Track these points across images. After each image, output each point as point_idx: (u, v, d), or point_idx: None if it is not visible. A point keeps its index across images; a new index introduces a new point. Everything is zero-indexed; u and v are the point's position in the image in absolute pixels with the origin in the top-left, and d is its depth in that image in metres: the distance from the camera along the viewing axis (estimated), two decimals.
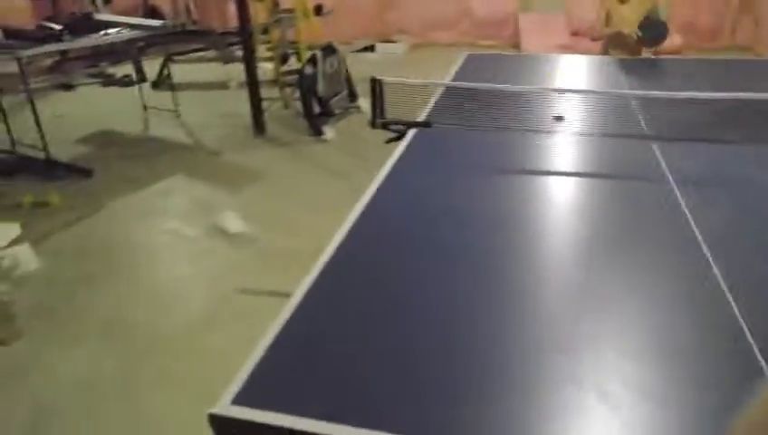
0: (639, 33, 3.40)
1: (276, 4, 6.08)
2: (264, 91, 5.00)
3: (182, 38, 5.21)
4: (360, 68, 6.14)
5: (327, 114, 4.61)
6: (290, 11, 4.95)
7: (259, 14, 4.92)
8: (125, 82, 4.48)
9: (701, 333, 1.01)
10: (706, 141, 1.86)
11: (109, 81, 5.39)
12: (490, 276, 1.20)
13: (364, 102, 4.75)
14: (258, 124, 4.46)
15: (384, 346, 0.99)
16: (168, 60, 5.12)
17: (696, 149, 1.84)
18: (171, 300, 2.56)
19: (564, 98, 2.29)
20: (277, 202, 3.40)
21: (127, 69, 5.32)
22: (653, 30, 3.33)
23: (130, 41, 4.08)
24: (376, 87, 2.15)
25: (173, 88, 4.80)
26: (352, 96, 4.93)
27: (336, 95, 4.64)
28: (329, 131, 4.34)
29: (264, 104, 4.58)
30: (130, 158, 4.13)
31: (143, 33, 4.00)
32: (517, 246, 1.32)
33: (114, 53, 4.23)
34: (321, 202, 3.32)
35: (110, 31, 3.84)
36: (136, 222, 3.24)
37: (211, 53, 6.42)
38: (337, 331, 1.04)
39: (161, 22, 4.16)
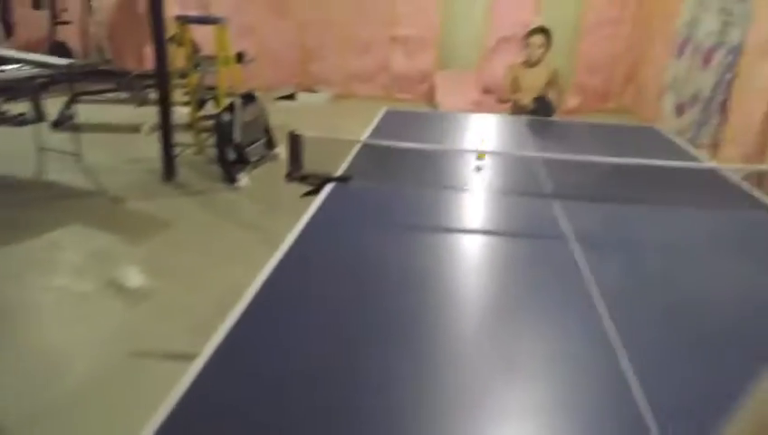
0: (533, 108, 3.70)
1: (197, 50, 6.01)
2: (179, 136, 4.85)
3: (92, 78, 4.97)
4: (281, 116, 6.15)
5: (243, 161, 4.52)
6: (211, 57, 4.90)
7: (177, 58, 4.83)
8: (19, 120, 4.16)
9: (591, 390, 1.05)
10: (600, 201, 2.01)
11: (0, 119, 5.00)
12: (395, 337, 1.19)
13: (282, 150, 4.73)
14: (169, 170, 4.28)
15: (296, 415, 0.94)
16: (74, 99, 4.85)
17: (591, 207, 1.97)
18: (52, 370, 2.24)
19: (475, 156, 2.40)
20: (183, 253, 3.23)
21: (23, 107, 4.97)
22: (544, 109, 3.71)
23: (30, 78, 3.82)
24: (293, 141, 2.14)
25: (76, 129, 4.53)
26: (270, 144, 4.89)
27: (253, 143, 4.58)
28: (243, 179, 4.25)
29: (177, 149, 4.43)
30: (18, 204, 3.78)
31: (46, 71, 3.77)
32: (425, 305, 1.32)
33: (10, 89, 3.93)
34: (230, 254, 3.19)
35: (6, 67, 3.59)
36: (17, 278, 2.89)
37: (124, 95, 6.17)
38: (244, 399, 0.97)
39: (69, 61, 3.95)
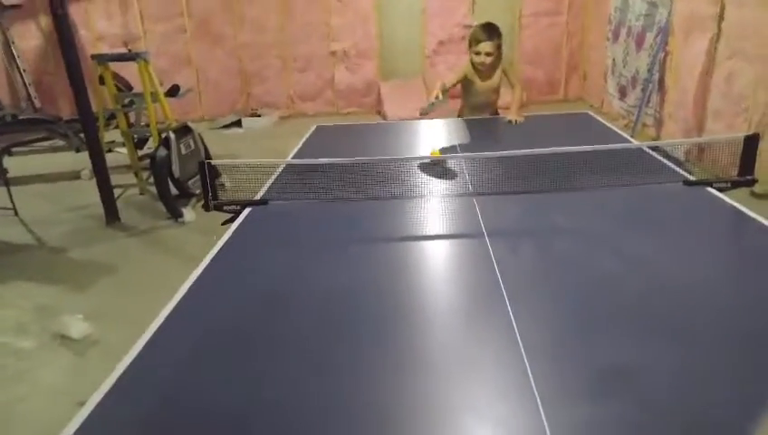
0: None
1: (128, 87, 5.90)
2: (122, 178, 4.75)
3: (19, 128, 4.83)
4: (226, 144, 6.08)
5: (186, 195, 4.44)
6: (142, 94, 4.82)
7: (105, 98, 4.73)
8: None
9: (494, 388, 1.02)
10: (516, 193, 2.00)
11: None
12: (302, 351, 1.14)
13: (227, 180, 4.65)
14: (110, 213, 4.17)
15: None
16: (4, 152, 4.70)
17: (507, 200, 1.96)
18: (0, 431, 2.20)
19: (400, 164, 2.37)
20: (129, 296, 3.14)
21: None
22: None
23: None
24: (203, 170, 2.08)
25: (8, 184, 4.38)
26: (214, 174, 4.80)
27: (195, 175, 4.49)
28: (188, 213, 4.16)
29: (117, 191, 4.32)
30: None
31: None
32: (345, 316, 1.28)
33: None
34: (174, 290, 3.10)
35: None
36: None
37: (60, 142, 6.01)
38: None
39: None
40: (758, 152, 1.99)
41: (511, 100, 3.42)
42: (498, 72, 3.32)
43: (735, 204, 1.81)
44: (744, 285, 1.36)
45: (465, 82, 3.38)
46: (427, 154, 2.40)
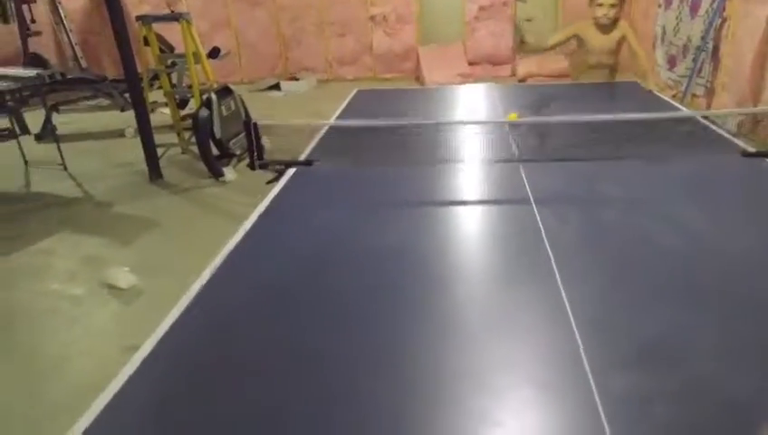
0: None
1: (171, 49, 5.97)
2: (164, 137, 4.84)
3: (66, 86, 4.95)
4: (266, 107, 6.12)
5: (227, 156, 4.50)
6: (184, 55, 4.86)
7: (151, 58, 4.80)
8: (2, 135, 4.19)
9: (543, 356, 1.03)
10: (564, 160, 1.96)
11: None
12: (354, 314, 1.16)
13: (267, 141, 4.70)
14: (153, 171, 4.28)
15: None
16: (53, 110, 4.85)
17: (554, 168, 1.93)
18: (53, 371, 2.33)
19: (445, 129, 2.35)
20: (173, 250, 3.24)
21: (5, 122, 4.98)
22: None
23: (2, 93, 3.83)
24: (249, 129, 2.10)
25: (57, 140, 4.53)
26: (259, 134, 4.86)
27: (235, 136, 4.55)
28: (229, 173, 4.23)
29: (160, 150, 4.42)
30: (7, 217, 3.82)
31: (13, 84, 3.76)
32: (389, 279, 1.30)
33: None
34: (219, 246, 3.19)
35: None
36: (10, 286, 2.97)
37: (106, 101, 6.16)
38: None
39: (34, 72, 3.93)
40: None
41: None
42: (617, 32, 3.10)
43: None
44: None
45: (579, 42, 3.26)
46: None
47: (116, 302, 2.77)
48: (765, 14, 4.12)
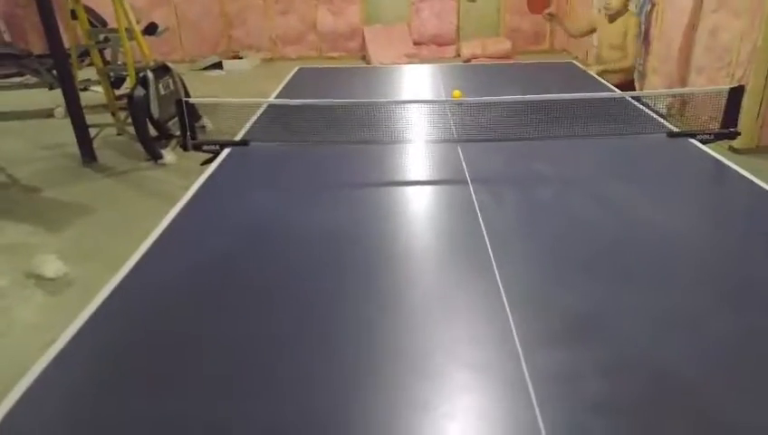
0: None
1: (103, 24, 5.65)
2: (98, 117, 4.60)
3: None
4: (207, 86, 5.91)
5: (166, 137, 4.33)
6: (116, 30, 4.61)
7: (80, 34, 4.53)
8: None
9: (475, 332, 1.04)
10: (500, 140, 1.99)
11: None
12: (282, 292, 1.15)
13: (208, 121, 4.55)
14: (86, 153, 4.07)
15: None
16: None
17: (490, 147, 1.95)
18: None
19: (385, 108, 2.33)
20: (106, 236, 3.10)
21: None
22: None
23: None
24: (181, 108, 2.02)
25: None
26: (194, 115, 4.69)
27: (175, 116, 4.38)
28: (168, 155, 4.08)
29: (94, 131, 4.20)
30: None
31: None
32: (326, 259, 1.28)
33: None
34: (153, 231, 3.09)
35: None
36: None
37: (34, 79, 5.78)
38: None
39: None
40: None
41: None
42: (622, 25, 3.01)
43: (717, 155, 1.83)
44: (722, 234, 1.39)
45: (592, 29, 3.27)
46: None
47: (43, 292, 2.63)
48: (690, 1, 4.30)
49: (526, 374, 0.92)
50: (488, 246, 1.32)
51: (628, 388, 0.89)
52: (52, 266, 2.71)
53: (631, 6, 3.03)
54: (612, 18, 3.11)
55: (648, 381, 0.90)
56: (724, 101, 1.98)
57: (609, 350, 0.98)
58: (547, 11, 3.24)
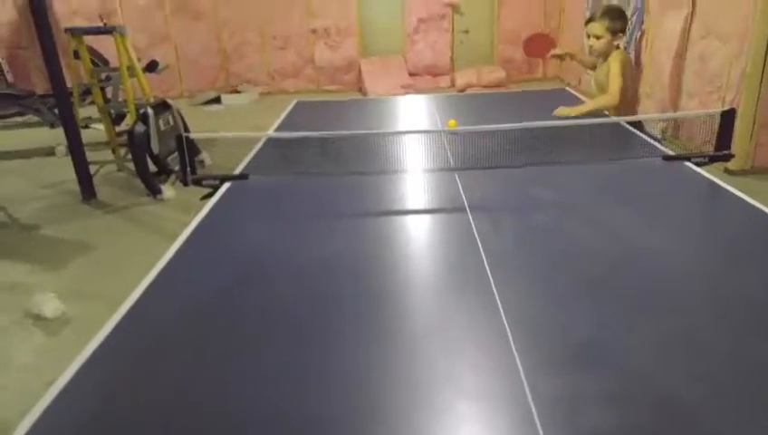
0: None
1: (105, 62, 5.76)
2: (100, 154, 4.65)
3: None
4: (206, 121, 5.98)
5: (165, 172, 4.36)
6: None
7: (83, 73, 4.61)
8: None
9: (477, 360, 1.03)
10: (497, 168, 2.01)
11: None
12: (289, 323, 1.14)
13: (207, 156, 4.59)
14: (86, 190, 4.09)
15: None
16: None
17: (488, 175, 1.97)
18: None
19: (382, 139, 2.36)
20: (106, 274, 3.09)
21: None
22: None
23: None
24: (181, 144, 2.05)
25: None
26: (194, 151, 4.73)
27: (174, 151, 4.42)
28: (167, 190, 4.10)
29: (94, 168, 4.24)
30: None
31: None
32: (327, 290, 1.28)
33: None
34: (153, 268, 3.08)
35: None
36: None
37: (35, 118, 5.85)
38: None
39: None
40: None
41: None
42: (605, 68, 2.76)
43: (713, 178, 1.84)
44: (723, 258, 1.39)
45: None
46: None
47: (41, 332, 2.60)
48: (678, 27, 4.40)
49: (530, 401, 0.91)
50: (488, 273, 1.31)
51: (631, 412, 0.88)
52: (50, 305, 2.69)
53: (619, 42, 2.86)
54: (603, 61, 2.88)
55: (651, 405, 0.90)
56: (716, 125, 2.01)
57: (612, 375, 0.97)
58: (553, 52, 3.02)
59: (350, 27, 7.37)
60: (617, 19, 2.72)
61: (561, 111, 2.69)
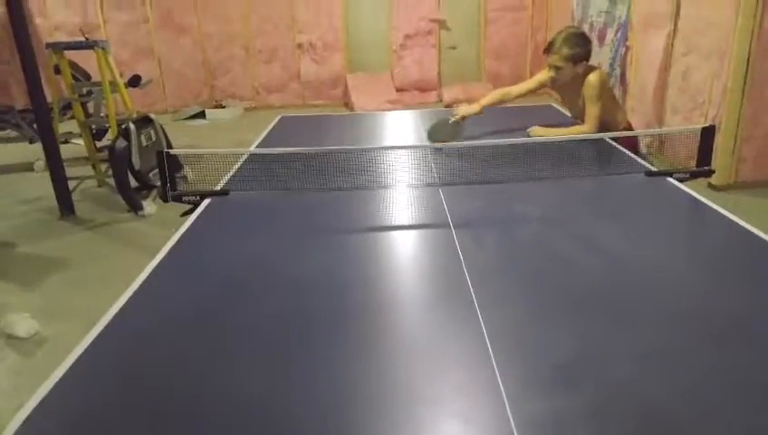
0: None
1: (87, 77, 5.70)
2: (80, 170, 4.58)
3: None
4: (190, 136, 5.93)
5: (147, 188, 4.30)
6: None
7: (62, 87, 4.55)
8: None
9: (459, 378, 1.00)
10: (482, 183, 1.99)
11: None
12: (265, 341, 1.09)
13: (190, 172, 4.53)
14: (65, 206, 4.01)
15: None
16: None
17: (472, 190, 1.95)
18: None
19: (366, 154, 2.33)
20: (81, 292, 3.01)
21: None
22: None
23: None
24: (162, 160, 2.00)
25: None
26: (176, 166, 4.68)
27: (156, 167, 4.36)
28: (148, 206, 4.03)
29: (73, 183, 4.16)
30: None
31: None
32: (308, 306, 1.24)
33: None
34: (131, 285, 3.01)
35: None
36: None
37: (14, 133, 5.76)
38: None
39: None
40: (715, 146, 2.03)
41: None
42: (581, 99, 2.63)
43: (694, 193, 1.84)
44: (703, 272, 1.38)
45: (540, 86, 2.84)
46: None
47: (14, 353, 2.52)
48: (662, 44, 4.46)
49: (511, 419, 0.89)
50: (471, 289, 1.29)
51: (616, 432, 0.86)
52: (24, 325, 2.61)
53: (594, 61, 2.70)
54: (569, 97, 2.80)
55: (635, 422, 0.88)
56: (697, 141, 2.01)
57: (596, 392, 0.95)
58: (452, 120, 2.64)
59: (337, 42, 7.39)
60: (576, 46, 2.56)
61: (536, 130, 2.62)
